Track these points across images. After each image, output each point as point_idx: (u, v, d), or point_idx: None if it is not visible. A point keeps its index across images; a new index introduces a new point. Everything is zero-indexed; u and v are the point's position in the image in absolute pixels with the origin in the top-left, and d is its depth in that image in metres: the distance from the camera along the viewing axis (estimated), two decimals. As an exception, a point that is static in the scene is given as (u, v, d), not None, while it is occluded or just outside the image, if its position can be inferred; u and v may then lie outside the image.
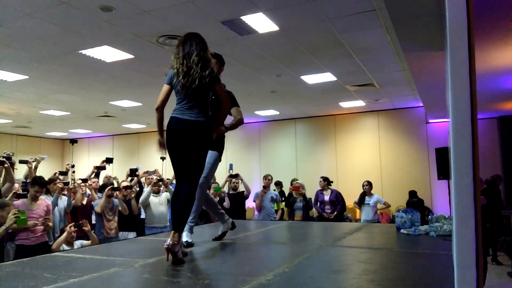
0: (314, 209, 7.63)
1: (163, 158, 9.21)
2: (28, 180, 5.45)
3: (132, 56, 6.16)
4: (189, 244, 3.13)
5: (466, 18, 1.46)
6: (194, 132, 2.68)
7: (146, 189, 6.18)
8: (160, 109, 2.89)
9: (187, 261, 2.65)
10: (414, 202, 8.50)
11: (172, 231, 2.56)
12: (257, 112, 10.82)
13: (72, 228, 4.56)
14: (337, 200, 7.16)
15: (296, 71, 7.13)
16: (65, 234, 4.55)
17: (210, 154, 3.00)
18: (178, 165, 2.77)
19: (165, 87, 2.87)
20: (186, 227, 3.09)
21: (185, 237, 3.12)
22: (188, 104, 2.73)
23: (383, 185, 10.29)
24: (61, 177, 6.22)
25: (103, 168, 6.78)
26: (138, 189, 6.55)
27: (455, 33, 1.48)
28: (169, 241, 2.49)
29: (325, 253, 2.89)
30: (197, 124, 2.69)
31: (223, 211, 3.51)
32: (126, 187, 5.89)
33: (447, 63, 1.73)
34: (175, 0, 4.40)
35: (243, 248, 3.11)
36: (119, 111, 10.38)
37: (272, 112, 10.90)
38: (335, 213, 6.99)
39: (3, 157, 4.69)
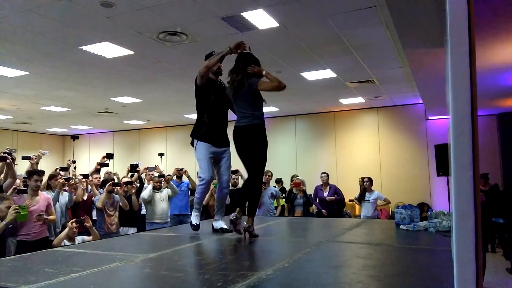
0: (314, 205, 7.68)
1: (161, 155, 9.23)
2: (28, 176, 5.46)
3: (132, 52, 6.15)
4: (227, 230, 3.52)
5: (466, 14, 1.45)
6: None
7: (148, 187, 6.19)
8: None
9: (187, 255, 2.66)
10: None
11: (247, 217, 3.27)
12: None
13: (74, 224, 4.58)
14: (336, 194, 7.31)
15: (296, 67, 7.13)
16: (66, 230, 4.57)
17: None
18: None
19: None
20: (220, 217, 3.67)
21: (222, 224, 3.60)
22: None
23: (383, 182, 10.31)
24: (62, 173, 6.23)
25: (106, 165, 6.80)
26: (138, 185, 6.57)
27: (455, 30, 1.47)
28: (246, 224, 3.23)
29: (325, 248, 2.90)
30: None
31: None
32: (126, 183, 5.90)
33: (448, 60, 1.73)
34: (176, -4, 4.40)
35: (243, 244, 3.13)
36: (120, 107, 10.38)
37: (272, 109, 10.91)
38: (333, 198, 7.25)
39: (5, 152, 4.70)
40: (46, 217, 4.69)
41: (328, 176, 7.65)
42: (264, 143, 3.38)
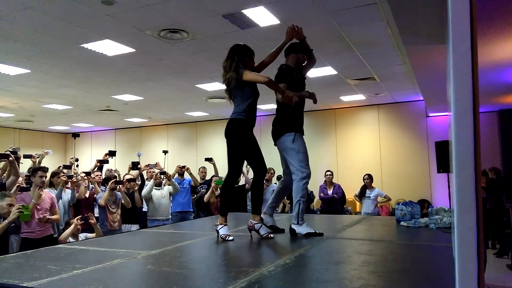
0: (314, 202, 7.69)
1: (165, 152, 9.22)
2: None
3: (133, 50, 6.16)
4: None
5: (468, 10, 1.45)
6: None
7: (149, 183, 6.21)
8: None
9: (189, 252, 2.67)
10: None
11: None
12: (258, 106, 10.79)
13: (79, 221, 4.61)
14: (338, 193, 7.33)
15: (297, 64, 7.11)
16: (72, 226, 4.59)
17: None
18: None
19: None
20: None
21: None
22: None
23: (383, 179, 10.32)
24: (65, 170, 6.26)
25: (106, 162, 6.81)
26: (139, 182, 6.58)
27: (457, 26, 1.47)
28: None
29: (326, 245, 2.91)
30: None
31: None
32: (129, 180, 5.91)
33: (449, 56, 1.72)
34: (177, -7, 4.40)
35: (245, 240, 3.14)
36: (121, 105, 10.39)
37: (273, 106, 10.84)
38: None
39: (9, 151, 4.72)
40: (49, 217, 4.71)
41: (332, 174, 7.68)
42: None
